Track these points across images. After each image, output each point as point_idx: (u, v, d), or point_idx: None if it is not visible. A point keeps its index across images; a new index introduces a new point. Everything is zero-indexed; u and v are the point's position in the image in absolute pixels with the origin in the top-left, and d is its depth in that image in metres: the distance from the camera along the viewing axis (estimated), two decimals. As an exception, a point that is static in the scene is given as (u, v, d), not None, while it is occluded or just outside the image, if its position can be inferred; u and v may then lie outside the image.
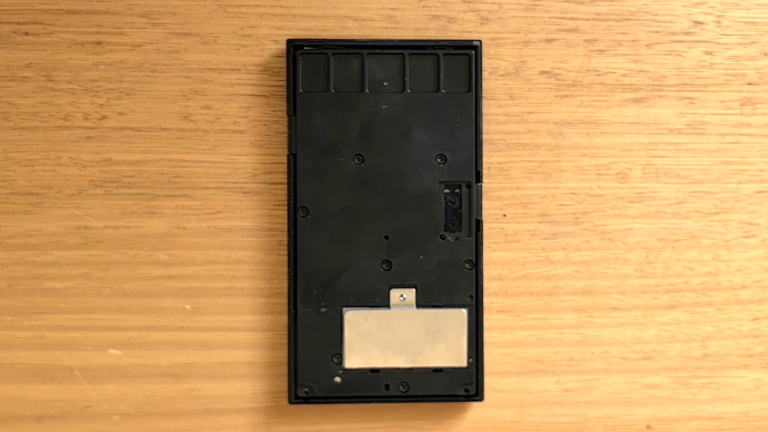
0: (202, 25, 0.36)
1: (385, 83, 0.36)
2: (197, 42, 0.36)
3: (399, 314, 0.35)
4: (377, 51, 0.36)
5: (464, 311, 0.35)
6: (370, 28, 0.37)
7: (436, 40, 0.36)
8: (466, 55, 0.36)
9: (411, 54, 0.36)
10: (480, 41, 0.36)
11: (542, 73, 0.37)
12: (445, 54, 0.36)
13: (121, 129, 0.36)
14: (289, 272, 0.36)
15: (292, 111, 0.36)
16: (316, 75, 0.36)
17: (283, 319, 0.37)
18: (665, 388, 0.37)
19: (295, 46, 0.36)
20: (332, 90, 0.36)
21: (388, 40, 0.36)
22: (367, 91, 0.36)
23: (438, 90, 0.36)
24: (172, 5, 0.36)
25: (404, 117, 0.35)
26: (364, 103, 0.36)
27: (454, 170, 0.36)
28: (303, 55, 0.36)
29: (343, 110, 0.35)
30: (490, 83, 0.37)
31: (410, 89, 0.36)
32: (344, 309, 0.36)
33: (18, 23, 0.36)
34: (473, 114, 0.36)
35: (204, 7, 0.36)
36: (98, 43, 0.36)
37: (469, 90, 0.36)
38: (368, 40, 0.36)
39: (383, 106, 0.35)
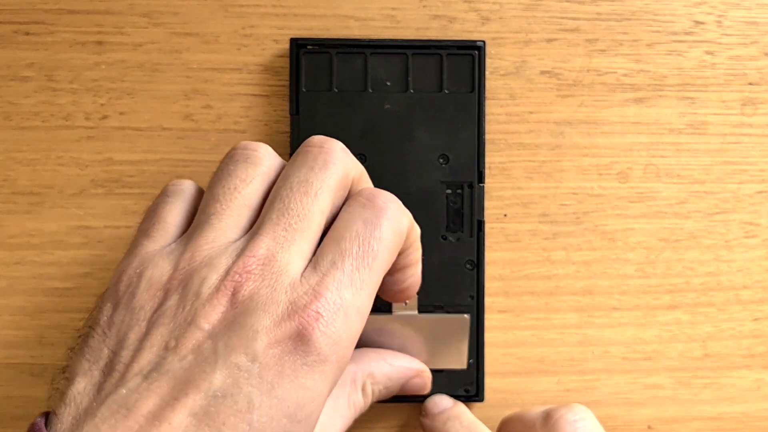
0: (204, 25, 0.36)
1: (388, 83, 0.36)
2: (198, 42, 0.36)
3: (401, 319, 0.35)
4: (380, 51, 0.36)
5: (467, 317, 0.35)
6: (371, 28, 0.37)
7: (440, 40, 0.36)
8: (469, 56, 0.36)
9: (414, 54, 0.36)
10: (483, 41, 0.36)
11: (543, 72, 0.37)
12: (448, 54, 0.36)
13: (122, 129, 0.37)
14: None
15: (295, 110, 0.36)
16: (319, 74, 0.36)
17: (284, 318, 0.37)
18: (666, 389, 0.37)
19: (298, 45, 0.36)
20: (335, 89, 0.35)
21: (392, 40, 0.36)
22: (370, 90, 0.35)
23: (441, 90, 0.36)
24: (173, 5, 0.36)
25: (407, 117, 0.35)
26: (367, 103, 0.35)
27: (456, 170, 0.35)
28: (306, 54, 0.36)
29: (345, 110, 0.35)
30: (491, 83, 0.37)
31: (413, 89, 0.36)
32: None
33: (19, 23, 0.36)
34: (476, 114, 0.36)
35: (205, 7, 0.36)
36: (99, 42, 0.36)
37: (473, 90, 0.36)
38: (371, 40, 0.36)
39: (386, 106, 0.35)
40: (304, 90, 0.35)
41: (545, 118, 0.37)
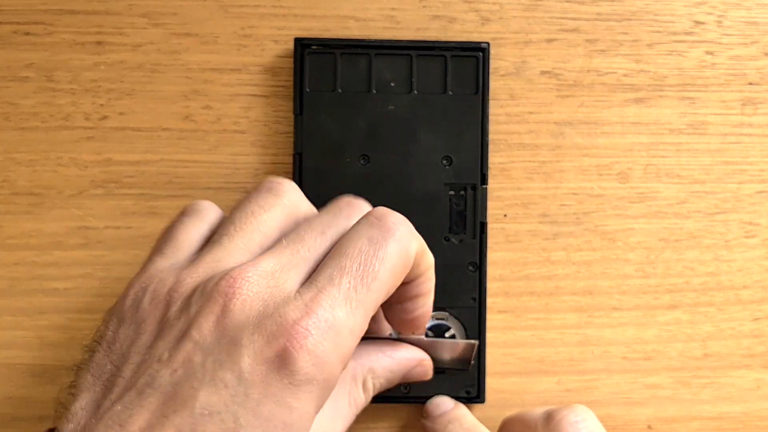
0: (203, 26, 0.36)
1: (392, 84, 0.35)
2: (198, 42, 0.36)
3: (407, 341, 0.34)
4: (385, 51, 0.35)
5: (475, 343, 0.34)
6: (371, 28, 0.37)
7: (444, 42, 0.36)
8: (473, 57, 0.36)
9: (418, 55, 0.36)
10: (488, 43, 0.36)
11: (543, 73, 0.37)
12: (452, 55, 0.36)
13: (122, 129, 0.36)
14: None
15: (299, 110, 0.35)
16: (323, 74, 0.35)
17: (285, 319, 0.36)
18: (666, 388, 0.38)
19: (302, 45, 0.35)
20: (339, 90, 0.35)
21: (396, 41, 0.36)
22: (374, 91, 0.35)
23: (445, 92, 0.35)
24: (172, 6, 0.36)
25: (411, 118, 0.35)
26: (371, 104, 0.35)
27: (459, 172, 0.35)
28: (310, 54, 0.35)
29: (349, 110, 0.35)
30: (491, 83, 0.37)
31: (417, 90, 0.35)
32: None
33: (18, 23, 0.36)
34: (480, 116, 0.36)
35: (204, 7, 0.36)
36: (99, 43, 0.36)
37: (477, 92, 0.36)
38: (376, 41, 0.36)
39: (390, 107, 0.35)
40: (307, 90, 0.35)
41: (545, 119, 0.37)
